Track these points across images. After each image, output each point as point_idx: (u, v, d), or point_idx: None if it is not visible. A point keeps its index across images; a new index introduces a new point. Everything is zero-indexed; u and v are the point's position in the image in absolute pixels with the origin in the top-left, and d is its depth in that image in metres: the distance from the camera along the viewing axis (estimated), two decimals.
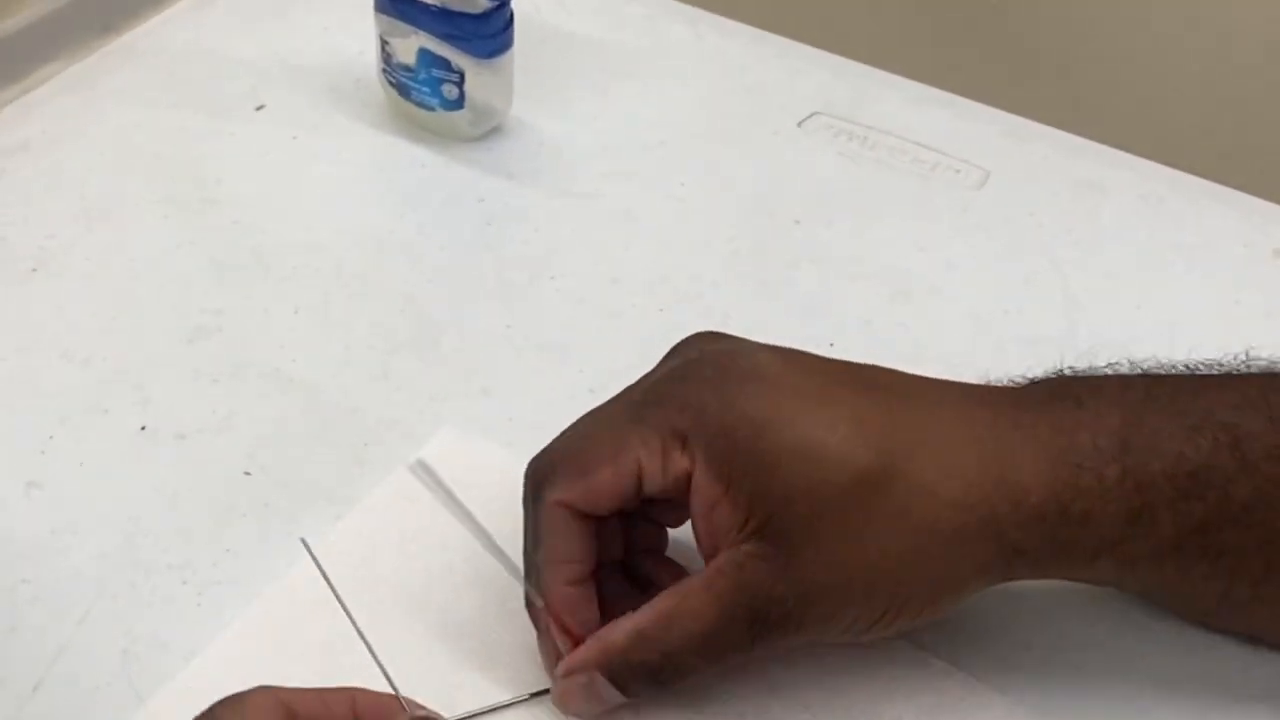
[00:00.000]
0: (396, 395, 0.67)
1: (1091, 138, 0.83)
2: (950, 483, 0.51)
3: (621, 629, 0.53)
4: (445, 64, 0.77)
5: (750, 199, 0.79)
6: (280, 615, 0.57)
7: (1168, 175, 0.81)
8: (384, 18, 0.77)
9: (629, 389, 0.55)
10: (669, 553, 0.58)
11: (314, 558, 0.55)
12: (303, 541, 0.55)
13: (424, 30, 0.76)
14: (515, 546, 0.56)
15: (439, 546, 0.59)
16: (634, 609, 0.53)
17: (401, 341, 0.70)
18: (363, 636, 0.54)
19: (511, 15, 0.77)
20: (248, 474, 0.63)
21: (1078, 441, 0.52)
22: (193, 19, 0.88)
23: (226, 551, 0.60)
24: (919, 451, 0.52)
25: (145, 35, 0.86)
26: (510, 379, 0.68)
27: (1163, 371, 0.56)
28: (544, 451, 0.55)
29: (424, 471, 0.57)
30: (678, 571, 0.56)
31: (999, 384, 0.56)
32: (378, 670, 0.53)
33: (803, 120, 0.83)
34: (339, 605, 0.56)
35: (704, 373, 0.53)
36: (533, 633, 0.56)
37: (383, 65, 0.79)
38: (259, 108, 0.82)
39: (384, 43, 0.78)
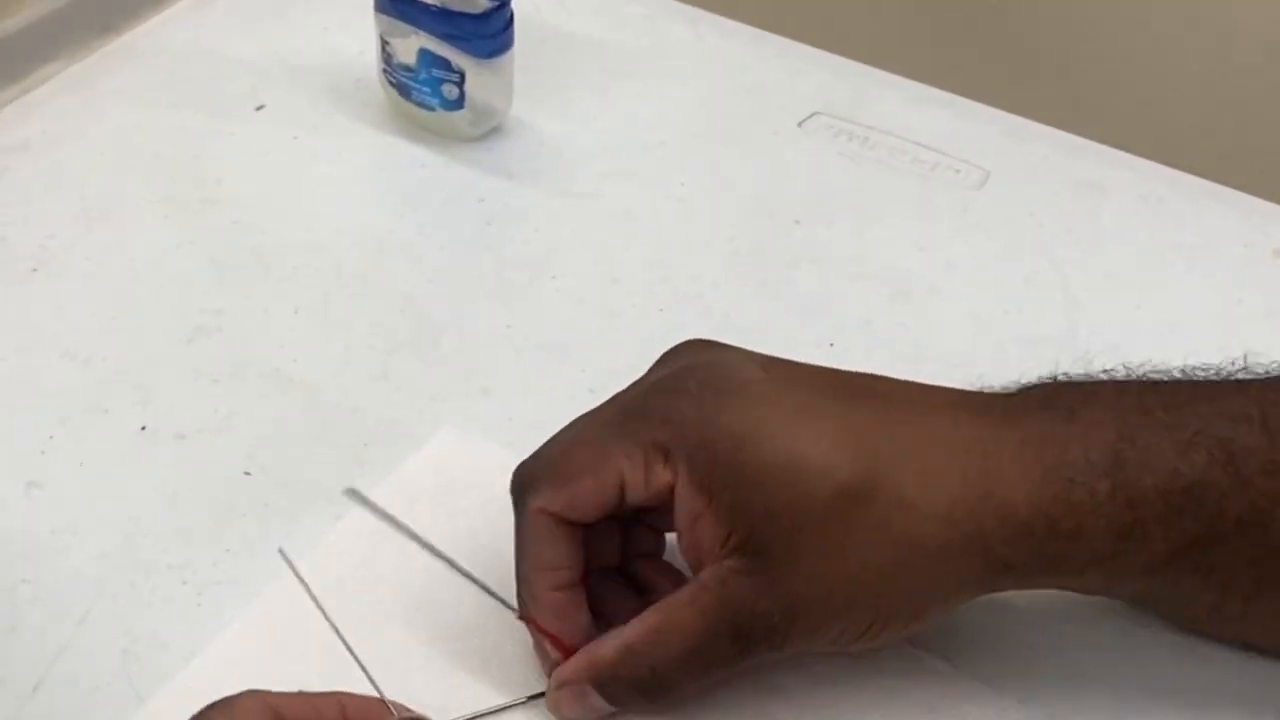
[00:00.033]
0: (397, 395, 0.67)
1: (1091, 138, 0.83)
2: (934, 497, 0.51)
3: (610, 644, 0.53)
4: (445, 64, 0.77)
5: (750, 199, 0.79)
6: (280, 616, 0.57)
7: (1168, 175, 0.81)
8: (384, 18, 0.77)
9: (616, 396, 0.55)
10: (666, 557, 0.58)
11: (293, 568, 0.56)
12: (280, 552, 0.55)
13: (424, 30, 0.76)
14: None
15: (438, 546, 0.59)
16: (631, 614, 0.53)
17: (401, 341, 0.70)
18: (344, 640, 0.54)
19: (511, 15, 0.77)
20: (248, 474, 0.63)
21: (1069, 456, 0.52)
22: (193, 19, 0.88)
23: (226, 551, 0.60)
24: (903, 465, 0.51)
25: (145, 35, 0.86)
26: (510, 379, 0.68)
27: (1159, 377, 0.55)
28: (529, 459, 0.55)
29: (360, 499, 0.58)
30: (675, 576, 0.56)
31: (991, 390, 0.56)
32: (376, 672, 0.53)
33: (803, 120, 0.83)
34: (339, 607, 0.56)
35: (687, 385, 0.53)
36: (528, 636, 0.56)
37: (383, 65, 0.79)
38: (259, 108, 0.82)
39: (384, 43, 0.78)
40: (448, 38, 0.76)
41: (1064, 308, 0.73)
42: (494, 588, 0.57)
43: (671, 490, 0.52)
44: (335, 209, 0.77)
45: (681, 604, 0.52)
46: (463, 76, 0.77)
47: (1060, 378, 0.56)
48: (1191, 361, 0.56)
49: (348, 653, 0.55)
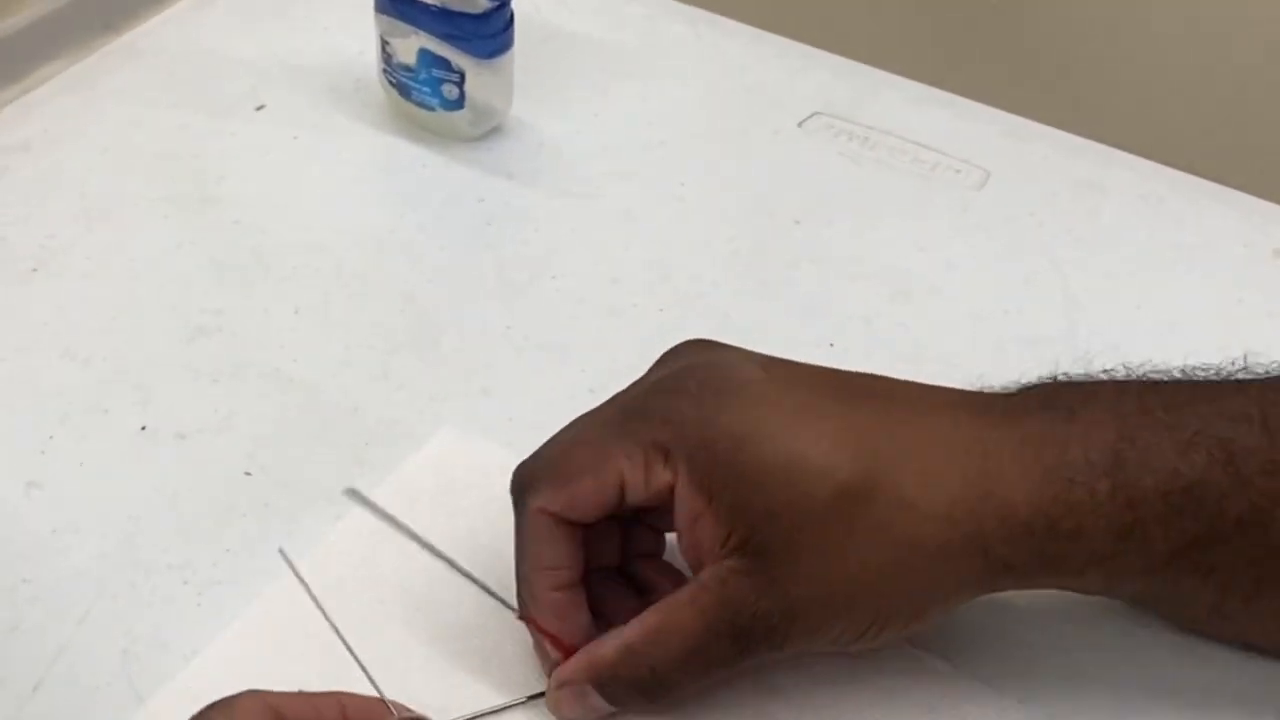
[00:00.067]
0: (397, 395, 0.67)
1: (1091, 138, 0.83)
2: (934, 497, 0.51)
3: (610, 644, 0.53)
4: (446, 64, 0.77)
5: (750, 199, 0.79)
6: (280, 615, 0.57)
7: (1168, 175, 0.81)
8: (384, 18, 0.77)
9: (616, 396, 0.55)
10: (666, 557, 0.58)
11: (293, 568, 0.55)
12: (280, 552, 0.55)
13: (424, 30, 0.76)
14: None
15: (439, 545, 0.59)
16: (631, 614, 0.53)
17: (402, 341, 0.70)
18: (344, 640, 0.54)
19: (512, 15, 0.77)
20: (248, 474, 0.63)
21: (1069, 456, 0.52)
22: (193, 19, 0.88)
23: (227, 551, 0.60)
24: (903, 465, 0.51)
25: (146, 35, 0.86)
26: (510, 379, 0.68)
27: (1159, 377, 0.55)
28: (529, 459, 0.55)
29: (360, 499, 0.58)
30: (675, 576, 0.56)
31: (991, 390, 0.56)
32: (376, 672, 0.53)
33: (803, 120, 0.83)
34: (339, 607, 0.56)
35: (687, 385, 0.53)
36: (528, 636, 0.56)
37: (383, 65, 0.79)
38: (259, 108, 0.82)
39: (384, 43, 0.78)
40: (448, 38, 0.76)
41: (1064, 308, 0.73)
42: (494, 587, 0.58)
43: (671, 490, 0.52)
44: (335, 209, 0.77)
45: (681, 604, 0.52)
46: (463, 76, 0.77)
47: (1060, 378, 0.56)
48: (1192, 361, 0.56)
49: (348, 653, 0.55)
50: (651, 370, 0.56)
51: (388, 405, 0.66)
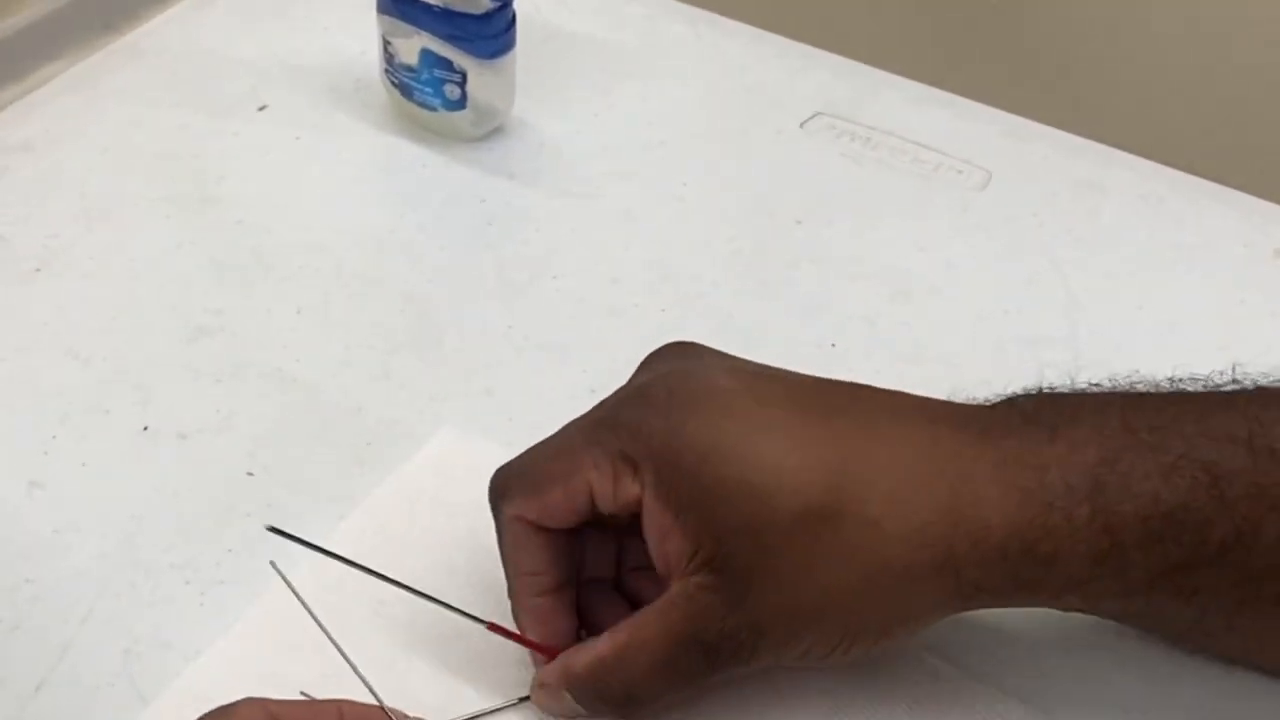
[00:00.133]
0: (398, 395, 0.67)
1: (1091, 138, 0.83)
2: (903, 518, 0.50)
3: (582, 658, 0.53)
4: (448, 64, 0.77)
5: (751, 199, 0.79)
6: (282, 617, 0.57)
7: (1168, 175, 0.81)
8: (386, 18, 0.77)
9: (599, 404, 0.55)
10: None
11: (285, 580, 0.55)
12: (272, 564, 0.55)
13: (426, 31, 0.76)
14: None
15: (439, 546, 0.60)
16: None
17: (402, 341, 0.70)
18: (339, 648, 0.54)
19: (514, 16, 0.77)
20: (250, 474, 0.63)
21: (1048, 479, 0.50)
22: (194, 19, 0.88)
23: (228, 551, 0.60)
24: (873, 484, 0.50)
25: (147, 35, 0.86)
26: (511, 379, 0.68)
27: (1145, 389, 0.54)
28: (505, 465, 0.55)
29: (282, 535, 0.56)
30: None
31: (973, 403, 0.55)
32: (374, 676, 0.53)
33: (805, 121, 0.83)
34: (338, 608, 0.56)
35: (657, 395, 0.53)
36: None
37: (385, 66, 0.79)
38: (262, 108, 0.82)
39: (386, 43, 0.78)
40: (450, 38, 0.76)
41: (1064, 308, 0.73)
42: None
43: (639, 503, 0.52)
44: (337, 209, 0.77)
45: (650, 620, 0.52)
46: (465, 77, 0.77)
47: (1045, 389, 0.55)
48: (1192, 362, 0.56)
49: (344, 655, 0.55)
50: (634, 374, 0.56)
51: (388, 405, 0.66)
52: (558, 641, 0.54)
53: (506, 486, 0.54)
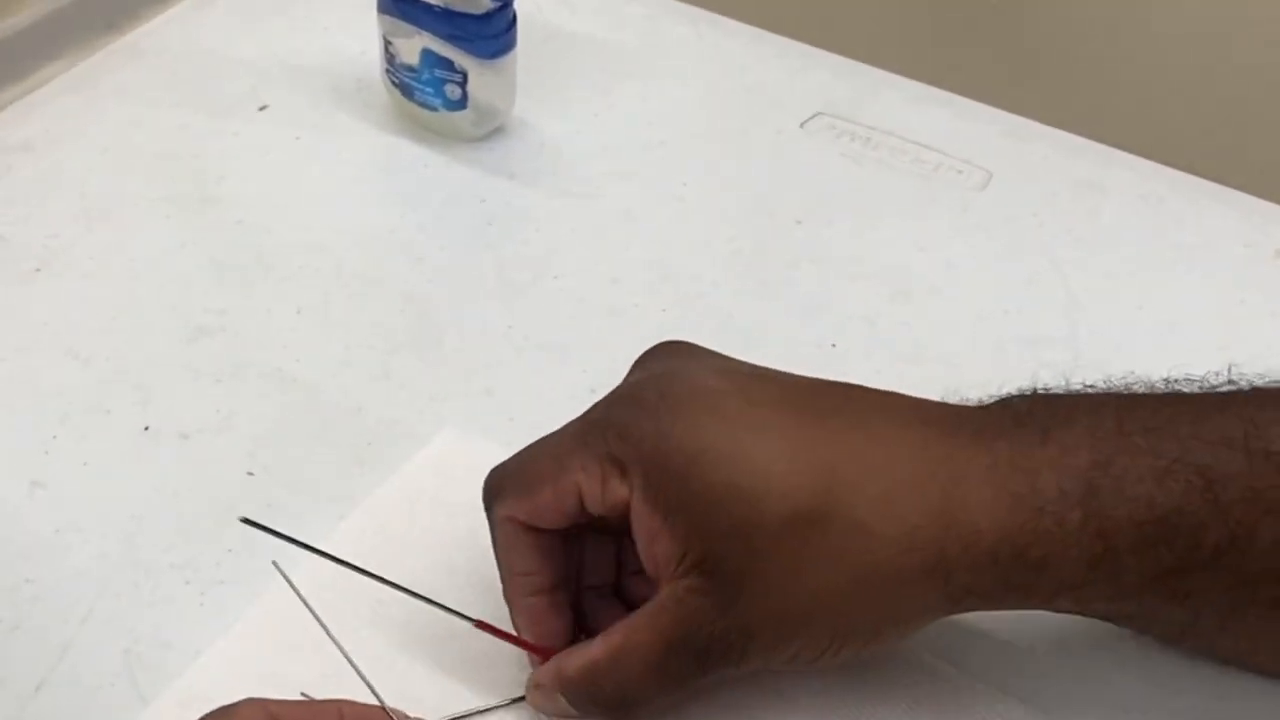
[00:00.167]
0: (398, 395, 0.67)
1: (1091, 138, 0.83)
2: (893, 522, 0.50)
3: (575, 661, 0.53)
4: (448, 64, 0.77)
5: (751, 199, 0.79)
6: (282, 617, 0.57)
7: (1168, 175, 0.81)
8: (387, 18, 0.77)
9: (593, 405, 0.54)
10: None
11: (287, 579, 0.55)
12: (274, 564, 0.55)
13: (427, 31, 0.76)
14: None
15: (440, 547, 0.60)
16: None
17: (403, 341, 0.70)
18: (340, 647, 0.54)
19: (514, 16, 0.77)
20: (250, 474, 0.63)
21: (1040, 484, 0.50)
22: (195, 19, 0.88)
23: (229, 551, 0.60)
24: (862, 488, 0.50)
25: (148, 35, 0.86)
26: (511, 379, 0.68)
27: (1141, 390, 0.54)
28: (497, 466, 0.55)
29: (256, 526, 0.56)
30: None
31: (966, 404, 0.54)
32: (375, 675, 0.53)
33: (805, 121, 0.83)
34: (339, 608, 0.56)
35: (647, 396, 0.52)
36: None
37: (386, 65, 0.79)
38: (263, 108, 0.82)
39: (387, 43, 0.78)
40: (451, 38, 0.76)
41: (1065, 308, 0.73)
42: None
43: (629, 505, 0.52)
44: (337, 209, 0.77)
45: (641, 624, 0.52)
46: (465, 77, 0.77)
47: (1040, 390, 0.54)
48: (1192, 362, 0.56)
49: (347, 656, 0.55)
50: (628, 374, 0.56)
51: (389, 405, 0.66)
52: (552, 641, 0.54)
53: (499, 487, 0.54)
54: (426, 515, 0.61)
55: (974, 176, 0.80)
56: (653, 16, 0.90)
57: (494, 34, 0.76)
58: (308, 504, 0.62)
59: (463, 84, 0.77)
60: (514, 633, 0.55)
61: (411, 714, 0.53)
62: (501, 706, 0.55)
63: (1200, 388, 0.54)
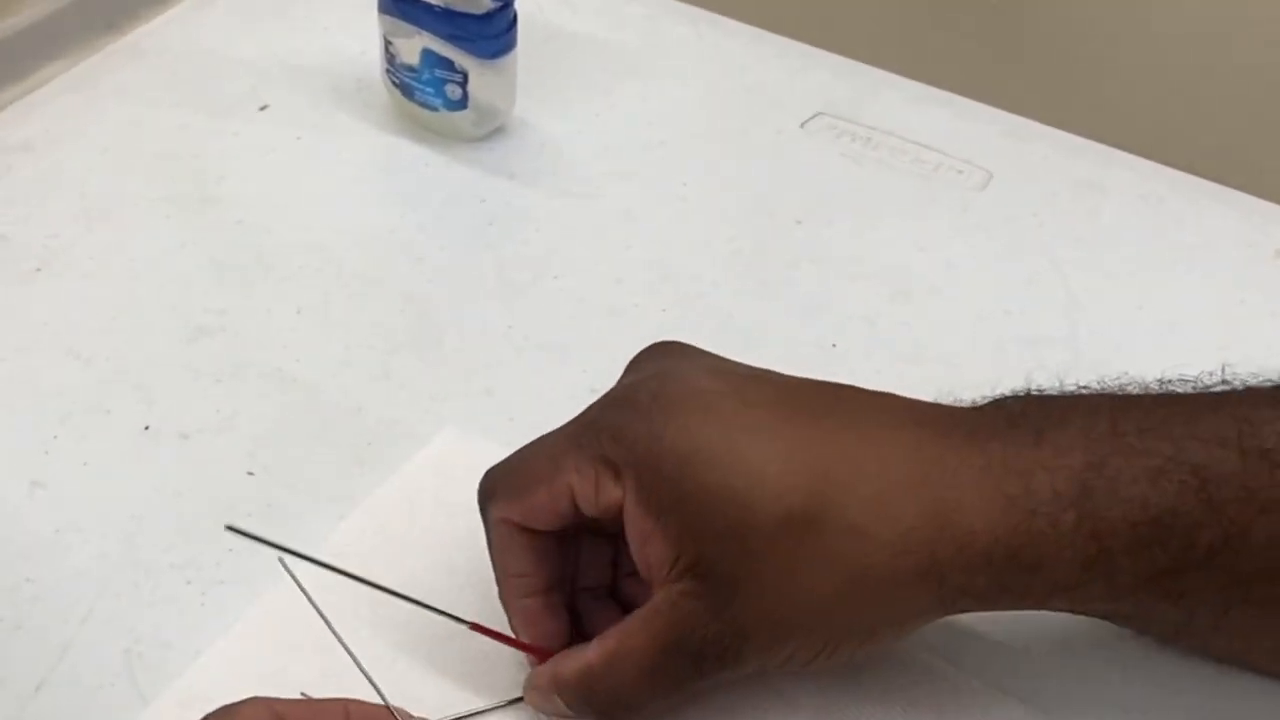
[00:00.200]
0: (398, 395, 0.67)
1: (1091, 138, 0.83)
2: (886, 524, 0.50)
3: (571, 665, 0.53)
4: (449, 64, 0.77)
5: (751, 199, 0.79)
6: (284, 616, 0.57)
7: (1168, 175, 0.81)
8: (388, 18, 0.77)
9: (588, 406, 0.54)
10: None
11: (293, 577, 0.55)
12: (280, 561, 0.55)
13: (427, 31, 0.76)
14: None
15: (439, 547, 0.60)
16: None
17: (403, 341, 0.70)
18: (345, 645, 0.54)
19: (515, 16, 0.77)
20: (250, 474, 0.63)
21: (1034, 485, 0.50)
22: (195, 19, 0.88)
23: (229, 551, 0.60)
24: (855, 490, 0.50)
25: (148, 35, 0.86)
26: (512, 379, 0.68)
27: (1135, 391, 0.54)
28: (493, 467, 0.55)
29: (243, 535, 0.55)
30: None
31: (959, 405, 0.54)
32: (379, 674, 0.53)
33: (805, 121, 0.83)
34: (341, 608, 0.56)
35: (640, 398, 0.52)
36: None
37: (386, 66, 0.79)
38: (263, 108, 0.82)
39: (388, 43, 0.78)
40: (451, 38, 0.76)
41: (1065, 308, 0.73)
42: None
43: (622, 507, 0.51)
44: (337, 209, 0.77)
45: (636, 627, 0.52)
46: (466, 77, 0.77)
47: (1034, 391, 0.54)
48: (1191, 362, 0.56)
49: (350, 655, 0.55)
50: (623, 375, 0.56)
51: (389, 405, 0.66)
52: (548, 642, 0.54)
53: (493, 489, 0.54)
54: (426, 515, 0.61)
55: (974, 176, 0.80)
56: (653, 16, 0.90)
57: (494, 34, 0.76)
58: (308, 504, 0.62)
59: (463, 84, 0.77)
60: (510, 634, 0.55)
61: (414, 714, 0.53)
62: (501, 707, 0.55)
63: (1194, 387, 0.54)
